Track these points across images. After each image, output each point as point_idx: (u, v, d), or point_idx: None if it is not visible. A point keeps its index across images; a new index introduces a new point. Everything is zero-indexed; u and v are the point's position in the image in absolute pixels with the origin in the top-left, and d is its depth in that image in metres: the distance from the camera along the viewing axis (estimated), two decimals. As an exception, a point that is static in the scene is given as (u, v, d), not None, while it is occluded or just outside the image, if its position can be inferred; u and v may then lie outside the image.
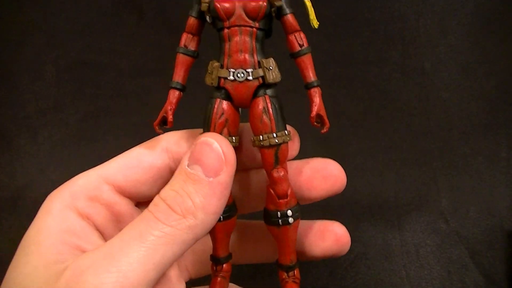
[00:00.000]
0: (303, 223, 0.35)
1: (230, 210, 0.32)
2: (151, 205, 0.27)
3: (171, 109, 0.33)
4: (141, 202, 0.34)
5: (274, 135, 0.30)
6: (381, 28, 0.67)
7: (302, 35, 0.31)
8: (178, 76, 0.33)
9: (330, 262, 0.61)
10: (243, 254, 0.37)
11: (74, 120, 0.71)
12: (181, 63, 0.33)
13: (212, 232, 0.32)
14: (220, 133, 0.30)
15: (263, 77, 0.30)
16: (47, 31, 0.70)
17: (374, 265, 0.60)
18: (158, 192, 0.33)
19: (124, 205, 0.32)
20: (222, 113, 0.31)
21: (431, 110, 0.68)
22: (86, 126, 0.71)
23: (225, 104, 0.31)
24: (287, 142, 0.31)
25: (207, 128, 0.31)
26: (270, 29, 0.32)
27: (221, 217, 0.31)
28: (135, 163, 0.32)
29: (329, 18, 0.65)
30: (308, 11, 0.32)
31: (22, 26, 0.70)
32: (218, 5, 0.30)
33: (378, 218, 0.64)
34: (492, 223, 0.63)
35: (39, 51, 0.70)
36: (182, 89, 0.33)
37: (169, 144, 0.34)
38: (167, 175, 0.33)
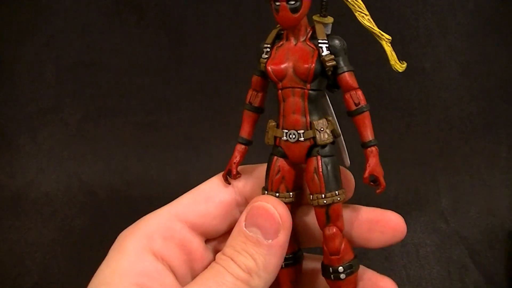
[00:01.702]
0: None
1: (294, 257, 0.33)
2: (220, 260, 0.28)
3: (235, 162, 0.33)
4: (210, 240, 0.35)
5: (323, 195, 0.30)
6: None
7: (359, 92, 0.31)
8: (244, 131, 0.33)
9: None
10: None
11: (74, 120, 0.71)
12: (246, 118, 0.33)
13: (277, 280, 0.32)
14: (277, 189, 0.31)
15: (314, 138, 0.30)
16: (47, 31, 0.70)
17: (374, 265, 0.60)
18: (227, 227, 0.35)
19: (196, 243, 0.33)
20: (279, 171, 0.32)
21: (431, 110, 0.68)
22: (86, 126, 0.71)
23: (281, 161, 0.32)
24: (338, 202, 0.31)
25: (266, 183, 0.32)
26: (332, 85, 0.32)
27: (283, 264, 0.31)
28: (205, 198, 0.34)
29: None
30: (389, 56, 0.32)
31: (22, 26, 0.70)
32: (269, 68, 0.30)
33: (378, 218, 0.64)
34: (492, 223, 0.63)
35: (39, 51, 0.71)
36: (247, 143, 0.33)
37: (235, 179, 0.35)
38: (235, 209, 0.34)
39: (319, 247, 0.34)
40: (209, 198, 0.34)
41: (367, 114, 0.31)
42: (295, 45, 0.31)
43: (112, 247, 0.30)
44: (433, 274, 0.59)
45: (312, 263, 0.36)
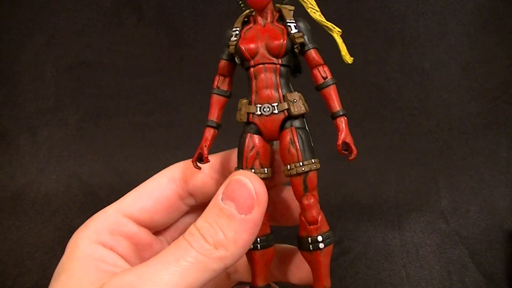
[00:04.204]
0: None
1: (268, 239, 0.33)
2: (187, 234, 0.29)
3: (206, 145, 0.33)
4: (158, 231, 0.37)
5: (301, 163, 0.31)
6: (381, 28, 0.67)
7: (326, 68, 0.32)
8: (213, 115, 0.34)
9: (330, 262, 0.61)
10: (281, 275, 0.39)
11: (74, 120, 0.71)
12: (215, 102, 0.34)
13: (251, 262, 0.33)
14: (252, 166, 0.32)
15: (288, 110, 0.32)
16: (47, 31, 0.70)
17: (374, 265, 0.60)
18: (172, 220, 0.36)
19: (143, 234, 0.35)
20: (253, 147, 0.32)
21: (431, 110, 0.68)
22: (86, 126, 0.71)
23: (255, 138, 0.32)
24: (314, 170, 0.31)
25: (240, 162, 0.33)
26: (298, 66, 0.34)
27: (258, 245, 0.33)
28: (147, 195, 0.35)
29: (329, 18, 0.65)
30: (340, 48, 0.33)
31: (22, 26, 0.70)
32: (242, 46, 0.32)
33: (378, 218, 0.64)
34: (492, 223, 0.63)
35: (39, 51, 0.71)
36: (217, 127, 0.34)
37: (175, 174, 0.36)
38: (177, 202, 0.36)
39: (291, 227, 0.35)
40: (150, 195, 0.35)
41: (334, 87, 0.32)
42: (264, 26, 0.33)
43: (67, 244, 0.32)
44: (433, 274, 0.59)
45: (280, 247, 0.37)
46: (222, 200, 0.29)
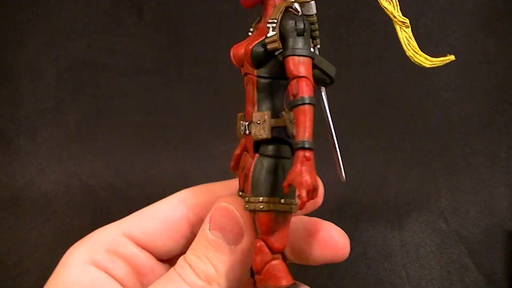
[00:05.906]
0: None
1: None
2: (177, 266, 0.26)
3: (234, 154, 0.29)
4: (164, 259, 0.34)
5: (247, 199, 0.25)
6: (381, 28, 0.67)
7: (302, 82, 0.23)
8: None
9: (330, 262, 0.61)
10: None
11: (74, 120, 0.71)
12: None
13: None
14: (243, 188, 0.27)
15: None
16: (47, 31, 0.70)
17: (374, 265, 0.60)
18: (177, 248, 0.33)
19: (144, 258, 0.32)
20: (243, 167, 0.27)
21: (431, 110, 0.68)
22: (86, 126, 0.71)
23: (246, 157, 0.27)
24: (262, 211, 0.24)
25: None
26: (324, 73, 0.26)
27: None
28: (152, 216, 0.32)
29: (329, 18, 0.65)
30: (402, 45, 0.26)
31: (22, 26, 0.70)
32: (231, 53, 0.27)
33: (378, 218, 0.64)
34: (492, 223, 0.63)
35: (39, 51, 0.70)
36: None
37: (186, 195, 0.33)
38: (185, 227, 0.32)
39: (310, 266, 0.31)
40: (155, 216, 0.32)
41: (303, 108, 0.23)
42: (262, 26, 0.27)
43: (59, 261, 0.30)
44: (433, 274, 0.59)
45: None
46: (209, 230, 0.26)
